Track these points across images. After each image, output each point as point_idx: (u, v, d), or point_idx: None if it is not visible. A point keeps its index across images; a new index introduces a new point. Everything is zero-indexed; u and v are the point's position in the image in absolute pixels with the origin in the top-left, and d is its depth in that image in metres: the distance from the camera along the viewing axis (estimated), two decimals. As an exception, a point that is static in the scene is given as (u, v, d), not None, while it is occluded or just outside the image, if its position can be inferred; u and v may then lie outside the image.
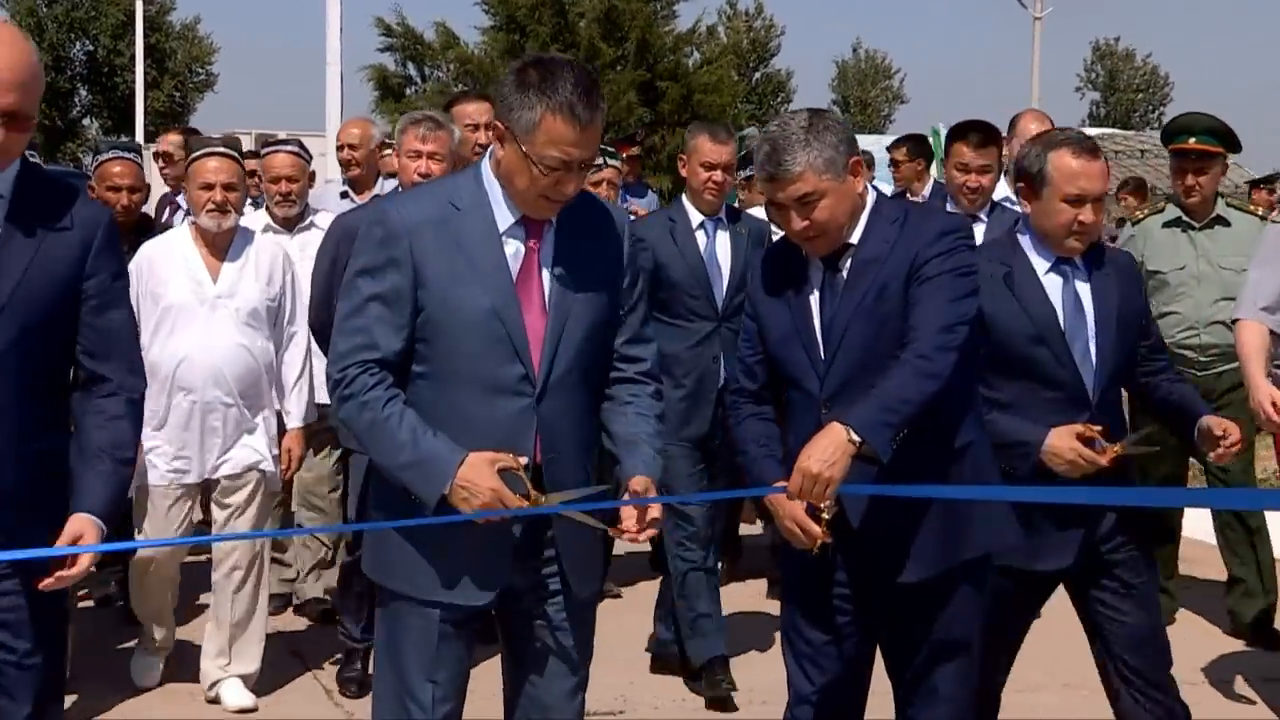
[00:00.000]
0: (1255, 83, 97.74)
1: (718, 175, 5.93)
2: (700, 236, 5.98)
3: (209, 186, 5.60)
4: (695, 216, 6.00)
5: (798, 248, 3.84)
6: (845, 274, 3.76)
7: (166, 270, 5.67)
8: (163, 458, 5.66)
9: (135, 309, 4.91)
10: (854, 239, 3.77)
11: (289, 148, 7.02)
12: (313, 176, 7.55)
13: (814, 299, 3.80)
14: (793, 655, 3.98)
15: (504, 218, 3.47)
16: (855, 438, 3.43)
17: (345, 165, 7.70)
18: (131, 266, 5.32)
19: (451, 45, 30.20)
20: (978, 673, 3.98)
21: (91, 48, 50.50)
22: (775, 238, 5.18)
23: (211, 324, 5.64)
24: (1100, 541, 4.22)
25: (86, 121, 50.81)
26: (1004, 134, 6.56)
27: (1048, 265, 4.25)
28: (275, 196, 6.89)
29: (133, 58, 43.87)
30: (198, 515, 5.90)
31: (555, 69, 3.36)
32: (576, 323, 3.48)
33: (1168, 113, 62.21)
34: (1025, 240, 4.29)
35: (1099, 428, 4.09)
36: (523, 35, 28.89)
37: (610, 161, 7.02)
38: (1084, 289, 4.25)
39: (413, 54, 30.80)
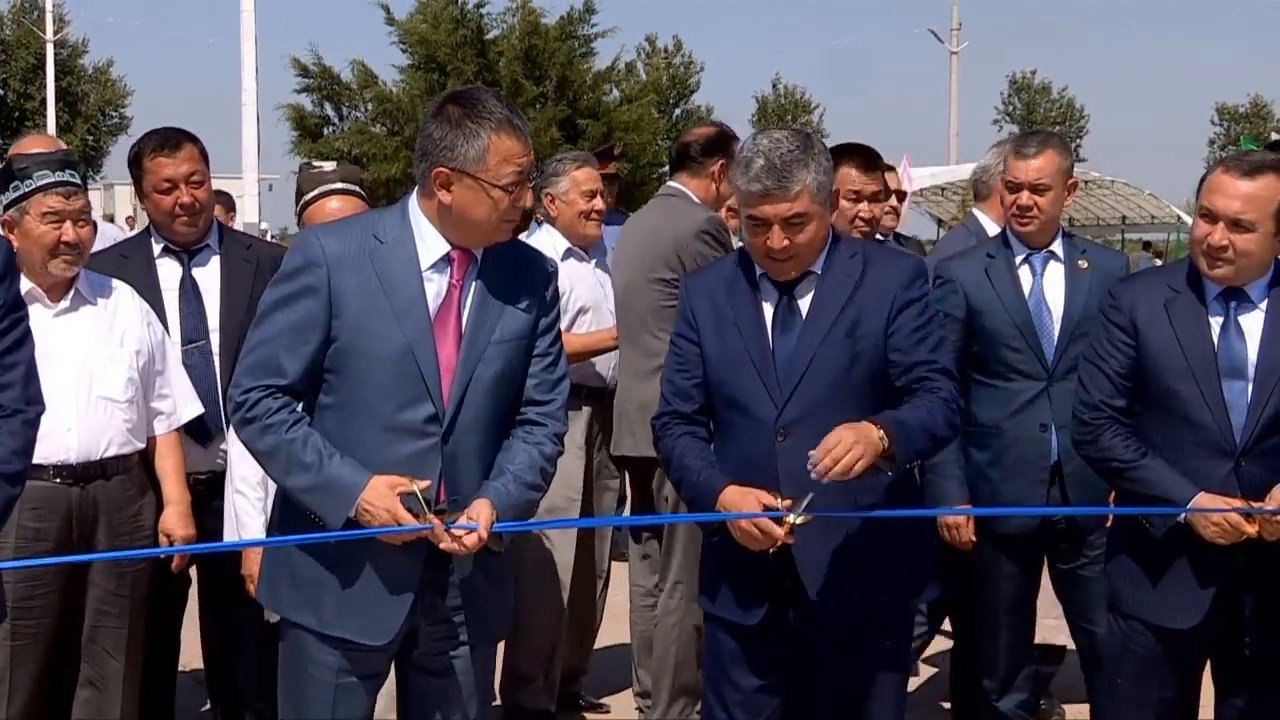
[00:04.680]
0: (1166, 113, 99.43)
1: (1024, 197, 4.83)
2: (1025, 274, 4.91)
3: None
4: (1019, 249, 4.92)
5: (746, 268, 3.77)
6: (807, 302, 3.72)
7: None
8: None
9: None
10: (817, 268, 3.73)
11: None
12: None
13: (769, 324, 3.72)
14: (720, 702, 3.87)
15: (428, 255, 3.44)
16: (884, 439, 3.46)
17: None
18: None
19: (370, 84, 29.98)
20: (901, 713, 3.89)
21: (1, 92, 49.88)
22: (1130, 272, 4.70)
23: None
24: (1243, 605, 3.92)
25: (-3, 166, 50.13)
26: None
27: (1216, 290, 3.91)
28: None
29: (44, 102, 43.44)
30: None
31: (476, 96, 3.40)
32: (488, 366, 3.45)
33: (1084, 144, 63.19)
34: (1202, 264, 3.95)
35: (1258, 504, 3.78)
36: (443, 74, 28.71)
37: None
38: (1254, 325, 3.87)
39: (330, 94, 30.55)
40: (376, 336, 3.38)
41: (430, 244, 3.45)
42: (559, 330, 3.64)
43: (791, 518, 3.51)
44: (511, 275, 3.52)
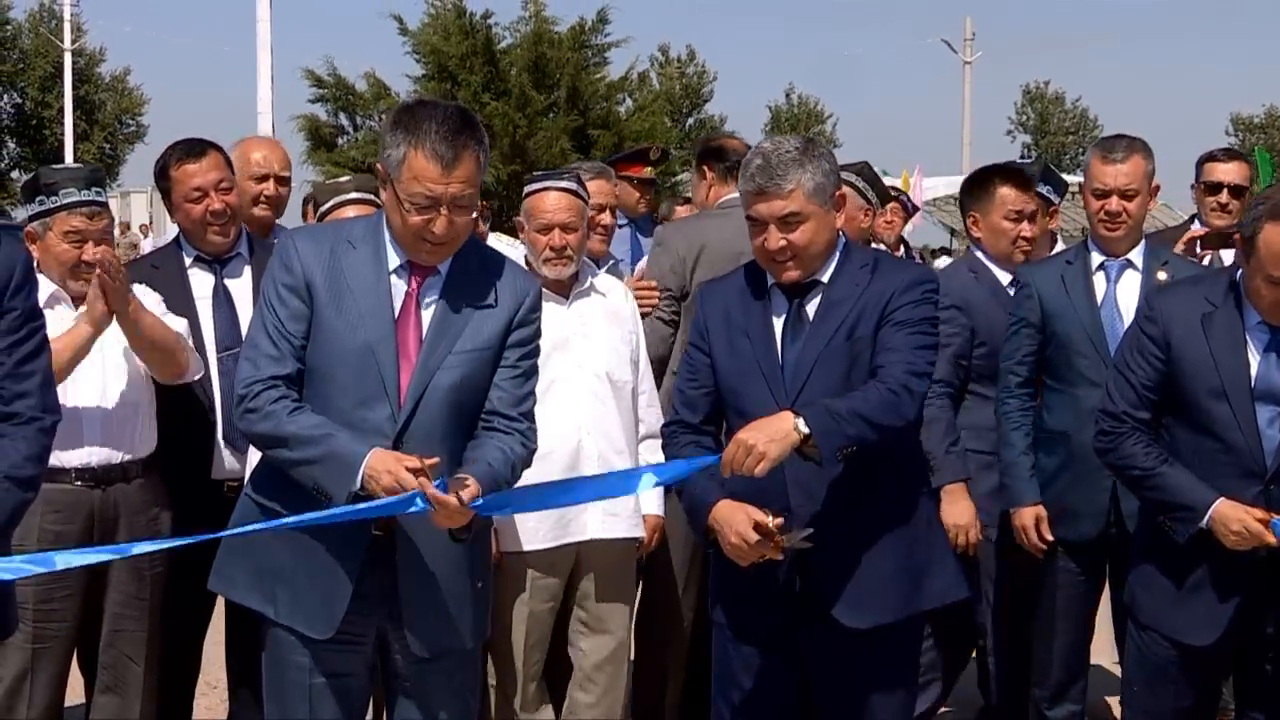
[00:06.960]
0: (1180, 124, 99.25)
1: (1113, 203, 4.86)
2: (1099, 281, 4.94)
3: None
4: (1096, 256, 4.95)
5: (757, 278, 3.79)
6: (813, 311, 3.73)
7: None
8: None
9: None
10: (824, 277, 3.74)
11: (562, 183, 4.83)
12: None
13: (778, 333, 3.74)
14: (726, 705, 3.91)
15: (394, 258, 3.54)
16: (803, 429, 3.42)
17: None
18: None
19: (383, 96, 30.02)
20: None
21: (19, 100, 50.07)
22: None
23: None
24: (1265, 622, 3.92)
25: (15, 175, 50.17)
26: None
27: (1259, 317, 3.88)
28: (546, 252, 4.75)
29: (61, 110, 43.56)
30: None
31: (423, 110, 3.46)
32: (448, 373, 3.50)
33: (1096, 154, 62.61)
34: (1242, 284, 3.91)
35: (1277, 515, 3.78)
36: (454, 84, 28.74)
37: None
38: None
39: (344, 104, 30.57)
40: (341, 333, 3.48)
41: (396, 249, 3.54)
42: (535, 347, 3.66)
43: (785, 540, 3.54)
44: (483, 285, 3.58)
